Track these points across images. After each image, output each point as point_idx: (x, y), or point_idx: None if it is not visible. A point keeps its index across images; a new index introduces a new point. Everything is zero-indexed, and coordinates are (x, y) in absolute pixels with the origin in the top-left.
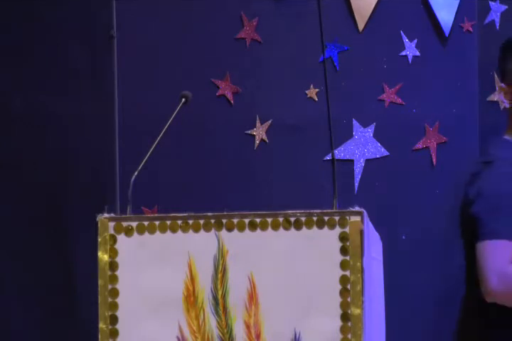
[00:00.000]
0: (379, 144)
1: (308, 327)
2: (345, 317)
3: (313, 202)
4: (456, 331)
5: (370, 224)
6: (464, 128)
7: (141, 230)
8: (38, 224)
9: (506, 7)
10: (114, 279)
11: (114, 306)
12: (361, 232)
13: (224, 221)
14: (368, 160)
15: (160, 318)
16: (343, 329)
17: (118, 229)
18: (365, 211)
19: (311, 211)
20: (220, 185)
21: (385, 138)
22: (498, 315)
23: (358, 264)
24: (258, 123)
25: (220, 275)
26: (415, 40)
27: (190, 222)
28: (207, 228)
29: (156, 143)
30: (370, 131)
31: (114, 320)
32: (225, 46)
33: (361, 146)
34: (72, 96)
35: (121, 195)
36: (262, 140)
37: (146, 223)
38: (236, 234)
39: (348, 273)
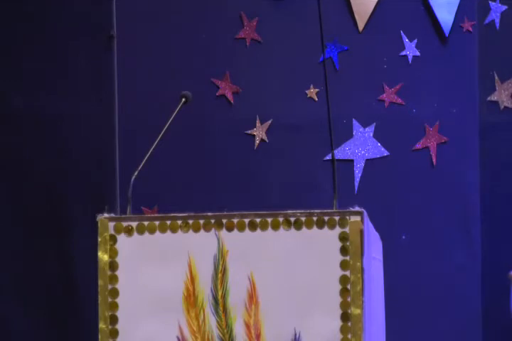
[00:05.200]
0: (379, 144)
1: (308, 327)
2: (345, 317)
3: (313, 202)
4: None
5: (370, 224)
6: (464, 128)
7: (141, 230)
8: (38, 224)
9: (506, 7)
10: (114, 279)
11: (114, 306)
12: (361, 232)
13: (224, 221)
14: (368, 160)
15: (160, 318)
16: (343, 329)
17: (118, 229)
18: (365, 211)
19: (311, 211)
20: (220, 185)
21: (385, 138)
22: None
23: (358, 264)
24: (258, 123)
25: (220, 276)
26: (415, 40)
27: (190, 222)
28: (207, 228)
29: (156, 143)
30: (370, 131)
31: (114, 320)
32: (225, 46)
33: (361, 146)
34: (72, 97)
35: (121, 195)
36: (262, 140)
37: (146, 223)
38: (236, 234)
39: (348, 273)
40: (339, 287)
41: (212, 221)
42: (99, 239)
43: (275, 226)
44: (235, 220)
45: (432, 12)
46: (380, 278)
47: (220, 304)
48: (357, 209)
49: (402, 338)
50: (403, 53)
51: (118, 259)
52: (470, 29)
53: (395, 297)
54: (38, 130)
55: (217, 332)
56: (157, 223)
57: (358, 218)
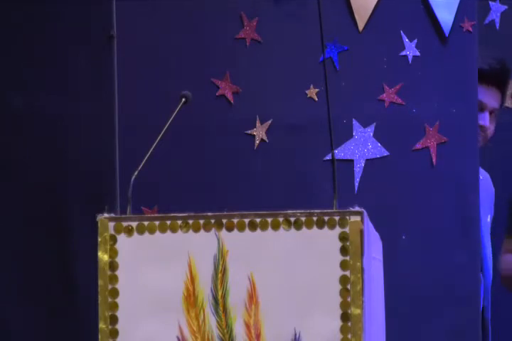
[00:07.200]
0: (379, 144)
1: (308, 327)
2: (345, 317)
3: (313, 202)
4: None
5: (370, 224)
6: (464, 128)
7: (141, 230)
8: (38, 224)
9: (506, 7)
10: (114, 279)
11: (114, 306)
12: (361, 232)
13: (224, 221)
14: (368, 160)
15: (160, 318)
16: (343, 329)
17: (118, 229)
18: (365, 211)
19: (311, 211)
20: (220, 185)
21: (385, 138)
22: None
23: (358, 264)
24: (258, 123)
25: (220, 276)
26: (415, 40)
27: (190, 222)
28: (207, 228)
29: (156, 143)
30: (370, 131)
31: (114, 320)
32: (225, 46)
33: (361, 146)
34: (72, 96)
35: (121, 195)
36: (262, 140)
37: (146, 223)
38: (236, 234)
39: (348, 273)
40: (339, 287)
41: (212, 221)
42: (99, 239)
43: (275, 226)
44: (235, 220)
45: (432, 12)
46: (380, 278)
47: (220, 304)
48: (357, 209)
49: (402, 338)
50: (403, 53)
51: (118, 259)
52: (470, 29)
53: (395, 297)
54: (38, 130)
55: (217, 332)
56: (157, 223)
57: (358, 218)
